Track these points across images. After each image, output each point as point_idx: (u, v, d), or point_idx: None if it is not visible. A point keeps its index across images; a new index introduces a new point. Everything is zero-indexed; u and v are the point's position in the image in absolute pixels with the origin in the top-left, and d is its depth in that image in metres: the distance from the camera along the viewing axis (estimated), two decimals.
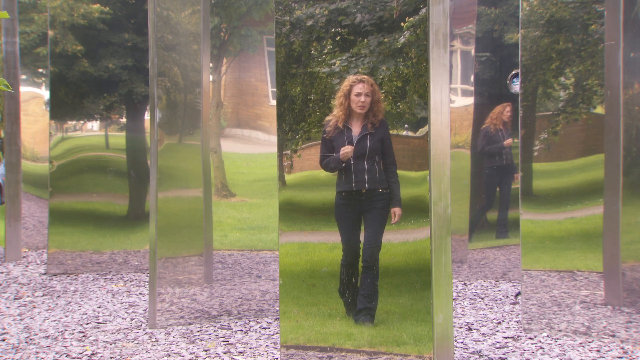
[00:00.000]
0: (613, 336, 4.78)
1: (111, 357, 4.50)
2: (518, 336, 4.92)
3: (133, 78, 8.09)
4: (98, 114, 8.17)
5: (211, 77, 6.17)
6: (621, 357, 4.42)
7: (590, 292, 5.05)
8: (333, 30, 4.20)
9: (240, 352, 4.56)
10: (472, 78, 7.59)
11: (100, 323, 5.43)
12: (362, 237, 4.14)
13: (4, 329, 5.26)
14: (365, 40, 4.13)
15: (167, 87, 5.48)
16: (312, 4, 4.29)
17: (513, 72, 7.11)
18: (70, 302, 6.17)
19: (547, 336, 4.88)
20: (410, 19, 4.04)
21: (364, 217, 4.13)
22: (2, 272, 7.70)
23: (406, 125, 4.22)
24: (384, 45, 4.10)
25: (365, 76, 4.09)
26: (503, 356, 4.46)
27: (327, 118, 4.17)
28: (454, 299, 6.16)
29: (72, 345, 4.79)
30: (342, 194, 4.13)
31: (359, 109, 4.09)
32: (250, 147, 6.27)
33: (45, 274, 7.59)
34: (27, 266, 8.11)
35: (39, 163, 9.58)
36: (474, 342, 4.78)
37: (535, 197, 5.37)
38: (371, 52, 4.12)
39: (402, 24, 4.06)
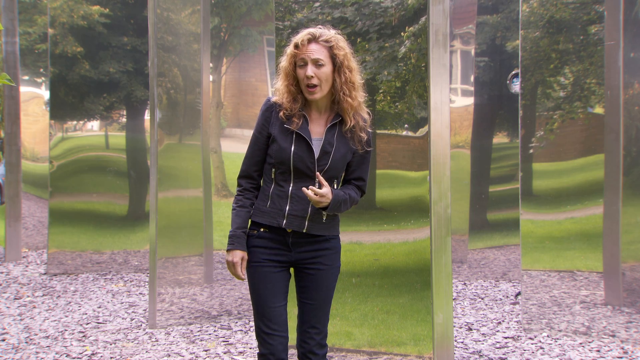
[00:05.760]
0: (613, 336, 4.78)
1: (111, 357, 4.50)
2: (518, 336, 4.92)
3: (132, 81, 8.09)
4: (98, 114, 8.18)
5: (211, 77, 6.18)
6: (621, 357, 4.41)
7: (590, 292, 5.05)
8: None
9: (240, 352, 4.56)
10: (472, 78, 7.59)
11: (100, 323, 5.42)
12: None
13: (4, 329, 5.26)
14: (367, 45, 4.13)
15: (167, 87, 5.48)
16: (311, 5, 4.29)
17: (513, 72, 7.11)
18: (70, 302, 6.17)
19: (547, 336, 4.88)
20: (411, 28, 4.05)
21: None
22: (2, 272, 7.70)
23: (406, 126, 4.23)
24: (386, 51, 4.11)
25: None
26: (503, 356, 4.45)
27: None
28: (454, 299, 6.15)
29: (72, 345, 4.79)
30: None
31: None
32: None
33: (45, 274, 7.59)
34: (27, 266, 8.11)
35: (39, 163, 9.58)
36: (474, 342, 4.78)
37: (535, 197, 5.37)
38: (375, 58, 4.13)
39: (402, 34, 4.06)
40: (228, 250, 2.71)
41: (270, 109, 2.75)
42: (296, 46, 2.70)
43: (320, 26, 2.76)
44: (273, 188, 2.72)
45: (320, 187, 2.68)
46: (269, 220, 2.71)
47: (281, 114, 2.72)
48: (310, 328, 2.77)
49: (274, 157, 2.71)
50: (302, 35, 2.71)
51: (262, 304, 2.72)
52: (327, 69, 2.69)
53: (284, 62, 2.74)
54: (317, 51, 2.68)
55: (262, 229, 2.73)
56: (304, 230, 2.72)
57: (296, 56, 2.70)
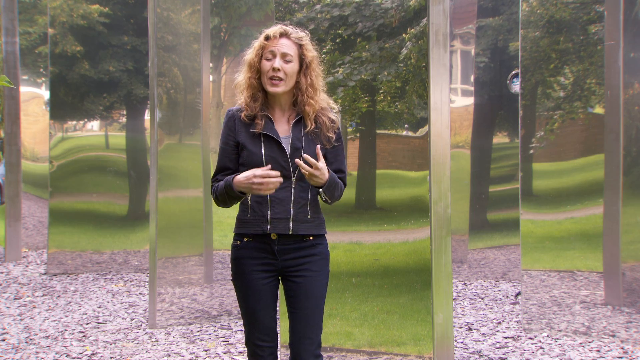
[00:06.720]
0: (613, 336, 4.78)
1: (111, 357, 4.50)
2: (518, 336, 4.92)
3: (133, 80, 8.09)
4: (98, 114, 8.18)
5: (211, 77, 6.17)
6: (621, 357, 4.41)
7: (590, 292, 5.05)
8: (333, 32, 4.20)
9: (240, 352, 4.56)
10: (472, 78, 7.59)
11: (100, 323, 5.42)
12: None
13: (4, 329, 5.26)
14: (367, 45, 4.13)
15: (167, 87, 5.48)
16: (311, 5, 4.29)
17: (513, 72, 7.11)
18: (70, 302, 6.17)
19: (547, 336, 4.88)
20: (412, 30, 4.04)
21: None
22: (2, 272, 7.70)
23: (406, 126, 4.23)
24: (385, 50, 4.11)
25: None
26: (503, 356, 4.45)
27: None
28: (454, 299, 6.15)
29: (72, 345, 4.79)
30: None
31: None
32: None
33: (45, 274, 7.59)
34: (27, 266, 8.11)
35: (39, 163, 9.58)
36: (474, 342, 4.78)
37: (535, 197, 5.37)
38: (372, 55, 4.13)
39: (404, 35, 4.06)
40: (236, 181, 2.57)
41: (233, 117, 2.70)
42: (267, 38, 2.65)
43: (291, 25, 2.73)
44: (251, 196, 2.64)
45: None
46: (254, 229, 2.65)
47: (242, 116, 2.67)
48: (304, 339, 2.69)
49: (246, 164, 2.64)
50: (275, 28, 2.67)
51: (250, 315, 2.71)
52: (294, 66, 2.65)
53: (250, 54, 2.68)
54: (287, 46, 2.64)
55: (245, 239, 2.67)
56: (290, 232, 2.64)
57: (265, 48, 2.65)
